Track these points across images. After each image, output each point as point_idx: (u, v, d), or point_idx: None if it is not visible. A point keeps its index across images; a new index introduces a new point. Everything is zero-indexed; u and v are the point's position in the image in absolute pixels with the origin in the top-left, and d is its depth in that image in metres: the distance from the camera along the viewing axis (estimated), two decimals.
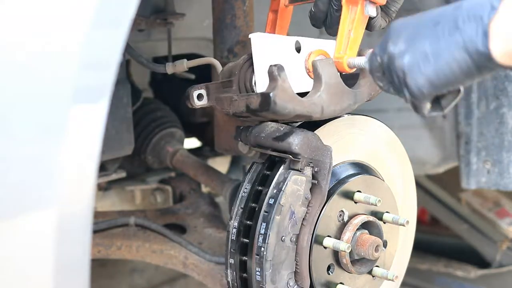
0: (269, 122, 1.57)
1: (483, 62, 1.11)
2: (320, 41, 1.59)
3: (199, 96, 1.62)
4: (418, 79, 1.17)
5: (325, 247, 1.57)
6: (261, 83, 1.54)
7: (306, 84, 1.55)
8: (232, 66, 1.62)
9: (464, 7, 1.12)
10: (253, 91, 1.57)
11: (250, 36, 1.54)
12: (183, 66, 1.81)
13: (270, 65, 1.46)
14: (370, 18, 1.53)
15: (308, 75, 1.57)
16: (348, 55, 1.51)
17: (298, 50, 1.57)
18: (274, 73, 1.44)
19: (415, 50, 1.16)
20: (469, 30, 1.09)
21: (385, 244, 1.67)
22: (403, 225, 1.65)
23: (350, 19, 1.52)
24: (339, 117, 1.60)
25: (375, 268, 1.66)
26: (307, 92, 1.52)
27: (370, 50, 1.38)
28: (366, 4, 1.50)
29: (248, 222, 1.55)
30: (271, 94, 1.43)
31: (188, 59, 1.70)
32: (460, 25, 1.11)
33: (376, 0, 1.51)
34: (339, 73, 1.53)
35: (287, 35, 1.64)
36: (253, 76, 1.58)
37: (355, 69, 1.53)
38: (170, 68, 1.80)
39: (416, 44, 1.16)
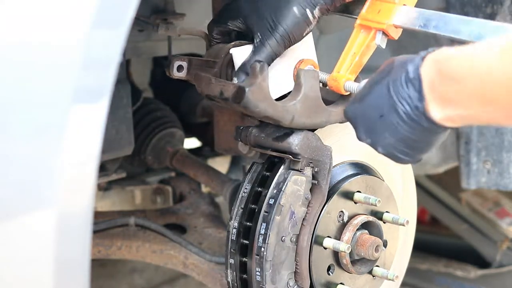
0: (269, 123, 1.57)
1: (439, 131, 1.24)
2: (300, 46, 1.59)
3: (179, 68, 1.62)
4: (400, 160, 1.32)
5: (325, 248, 1.57)
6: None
7: (282, 87, 1.56)
8: (220, 48, 1.62)
9: (394, 93, 1.25)
10: (231, 80, 1.57)
11: (231, 51, 1.55)
12: (175, 31, 1.81)
13: (255, 60, 1.47)
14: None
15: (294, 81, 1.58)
16: (348, 78, 1.51)
17: None
18: (256, 69, 1.45)
19: (382, 143, 1.30)
20: (415, 119, 1.23)
21: (385, 244, 1.67)
22: (403, 225, 1.65)
23: (359, 43, 1.52)
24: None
25: (375, 268, 1.66)
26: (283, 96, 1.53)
27: (365, 80, 1.42)
28: (378, 33, 1.51)
29: (248, 222, 1.55)
30: (246, 89, 1.44)
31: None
32: (404, 114, 1.24)
33: (389, 33, 1.50)
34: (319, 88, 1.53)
35: None
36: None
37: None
38: (162, 30, 1.81)
39: (379, 138, 1.30)
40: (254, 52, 1.52)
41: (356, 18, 1.54)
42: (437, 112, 1.21)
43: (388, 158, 1.33)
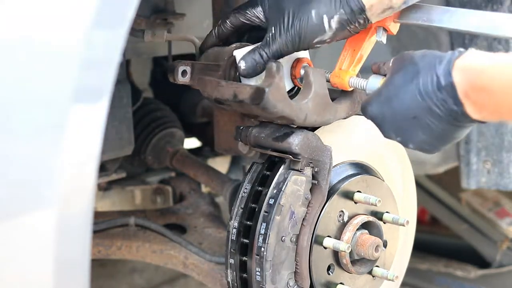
0: (269, 122, 1.57)
1: (470, 125, 1.29)
2: None
3: (184, 73, 1.62)
4: (429, 152, 1.38)
5: (325, 247, 1.57)
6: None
7: None
8: (219, 51, 1.61)
9: (426, 96, 1.28)
10: (236, 81, 1.57)
11: (234, 53, 1.55)
12: (162, 37, 1.80)
13: (270, 61, 1.48)
14: None
15: (293, 81, 1.58)
16: (351, 74, 1.52)
17: None
18: (273, 69, 1.45)
19: (415, 140, 1.34)
20: (452, 119, 1.27)
21: (385, 244, 1.67)
22: (403, 225, 1.65)
23: (358, 40, 1.52)
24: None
25: (375, 268, 1.66)
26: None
27: (375, 76, 1.46)
28: (379, 29, 1.52)
29: (248, 222, 1.55)
30: (266, 90, 1.44)
31: (188, 59, 1.70)
32: (436, 111, 1.28)
33: (389, 28, 1.52)
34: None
35: None
36: None
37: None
38: (148, 37, 1.81)
39: (411, 137, 1.34)
40: (263, 44, 1.50)
41: None
42: (474, 113, 1.25)
43: (418, 151, 1.37)
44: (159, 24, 1.85)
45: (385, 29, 1.52)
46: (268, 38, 1.50)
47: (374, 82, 1.45)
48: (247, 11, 1.56)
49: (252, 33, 1.61)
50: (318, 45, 1.49)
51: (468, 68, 1.23)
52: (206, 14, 1.93)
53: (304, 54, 1.60)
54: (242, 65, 1.51)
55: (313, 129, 1.57)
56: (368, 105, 1.39)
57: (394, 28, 1.53)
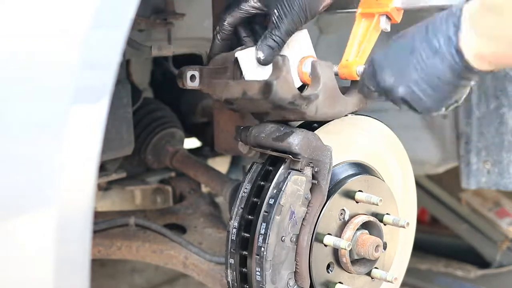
0: (269, 122, 1.57)
1: (465, 73, 1.27)
2: (299, 45, 1.61)
3: (192, 77, 1.62)
4: (420, 104, 1.34)
5: (325, 245, 1.57)
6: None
7: None
8: (227, 55, 1.63)
9: (431, 30, 1.28)
10: None
11: (236, 55, 1.57)
12: (170, 51, 1.84)
13: (277, 55, 1.50)
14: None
15: (301, 79, 1.59)
16: (358, 63, 1.54)
17: None
18: (280, 63, 1.47)
19: (406, 79, 1.32)
20: (445, 51, 1.26)
21: (385, 246, 1.66)
22: (404, 227, 1.65)
23: (362, 31, 1.55)
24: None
25: (374, 270, 1.65)
26: None
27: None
28: (382, 18, 1.54)
29: (249, 216, 1.55)
30: (274, 82, 1.45)
31: (187, 59, 1.71)
32: (436, 46, 1.27)
33: (393, 16, 1.53)
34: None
35: None
36: None
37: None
38: (155, 51, 1.82)
39: (403, 75, 1.32)
40: (272, 28, 1.52)
41: (355, 12, 1.56)
42: (469, 46, 1.23)
43: (407, 104, 1.34)
44: (159, 24, 1.85)
45: (388, 17, 1.53)
46: (274, 21, 1.52)
47: None
48: (242, 6, 1.58)
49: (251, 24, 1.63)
50: (323, 10, 1.53)
51: None
52: (206, 14, 1.93)
53: (309, 52, 1.60)
54: (261, 55, 1.53)
55: (314, 127, 1.58)
56: (375, 53, 1.41)
57: (397, 15, 1.54)
